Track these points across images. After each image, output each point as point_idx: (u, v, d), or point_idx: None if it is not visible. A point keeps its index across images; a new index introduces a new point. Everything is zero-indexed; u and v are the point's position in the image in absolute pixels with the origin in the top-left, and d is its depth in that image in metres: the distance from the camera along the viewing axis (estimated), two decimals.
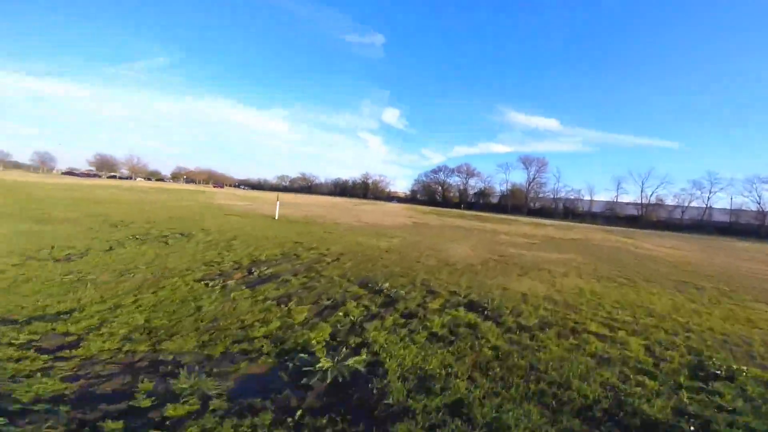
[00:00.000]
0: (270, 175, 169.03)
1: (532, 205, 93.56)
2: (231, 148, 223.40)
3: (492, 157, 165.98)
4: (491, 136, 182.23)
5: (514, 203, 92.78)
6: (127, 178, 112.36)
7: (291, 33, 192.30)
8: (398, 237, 15.24)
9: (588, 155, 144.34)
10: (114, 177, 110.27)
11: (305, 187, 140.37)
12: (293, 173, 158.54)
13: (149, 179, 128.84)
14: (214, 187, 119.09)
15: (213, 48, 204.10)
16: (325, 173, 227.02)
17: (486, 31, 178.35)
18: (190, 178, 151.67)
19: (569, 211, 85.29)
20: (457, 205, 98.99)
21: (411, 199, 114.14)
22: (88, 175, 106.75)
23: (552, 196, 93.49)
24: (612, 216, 79.10)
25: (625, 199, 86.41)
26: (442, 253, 11.79)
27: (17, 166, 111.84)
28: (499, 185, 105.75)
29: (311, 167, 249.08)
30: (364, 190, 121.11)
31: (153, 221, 14.01)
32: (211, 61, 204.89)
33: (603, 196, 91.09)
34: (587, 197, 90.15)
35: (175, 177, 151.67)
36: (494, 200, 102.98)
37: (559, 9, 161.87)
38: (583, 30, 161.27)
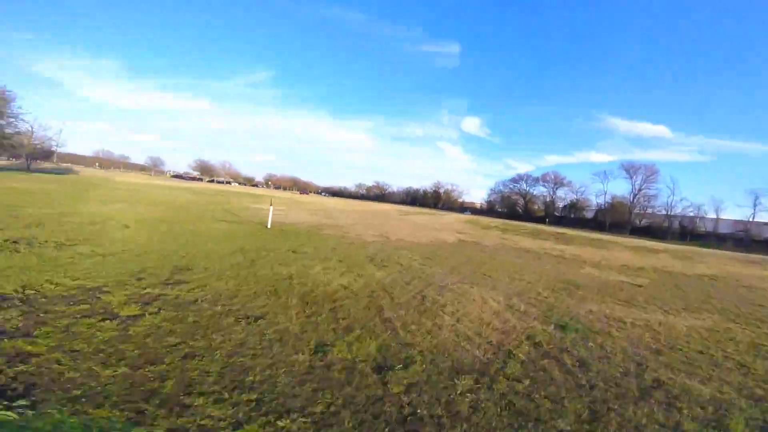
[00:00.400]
0: (349, 184, 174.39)
1: (637, 222, 77.12)
2: (316, 157, 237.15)
3: (589, 166, 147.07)
4: (589, 144, 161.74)
5: (613, 219, 77.53)
6: (226, 183, 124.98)
7: (371, 48, 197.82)
8: (408, 263, 10.20)
9: (705, 165, 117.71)
10: (212, 181, 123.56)
11: (379, 195, 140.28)
12: (370, 182, 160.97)
13: (244, 184, 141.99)
14: (300, 193, 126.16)
15: (302, 64, 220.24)
16: (400, 182, 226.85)
17: (579, 32, 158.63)
18: (277, 184, 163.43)
19: (687, 231, 67.75)
20: (541, 219, 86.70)
21: (487, 210, 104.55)
22: (193, 178, 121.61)
23: (665, 212, 75.71)
24: (746, 238, 60.33)
25: (764, 218, 66.09)
26: (448, 307, 6.54)
27: (134, 167, 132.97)
28: (596, 197, 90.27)
29: (387, 176, 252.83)
30: (435, 200, 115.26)
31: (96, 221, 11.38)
32: (302, 76, 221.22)
33: (732, 213, 71.07)
34: (712, 215, 70.99)
35: (267, 183, 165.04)
36: (588, 214, 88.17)
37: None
38: (700, 25, 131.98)
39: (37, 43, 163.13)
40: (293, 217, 22.17)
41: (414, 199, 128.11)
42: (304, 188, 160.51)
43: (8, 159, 74.90)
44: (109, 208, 15.91)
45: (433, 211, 74.13)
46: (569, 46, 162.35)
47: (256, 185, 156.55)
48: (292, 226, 17.13)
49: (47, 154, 77.47)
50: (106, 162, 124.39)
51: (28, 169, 68.23)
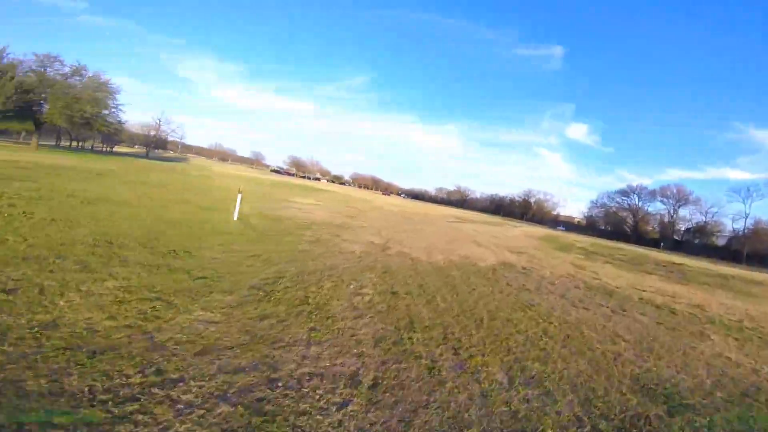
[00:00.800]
0: (431, 187, 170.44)
1: None
2: (402, 159, 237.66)
3: (723, 183, 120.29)
4: (724, 157, 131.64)
5: (754, 249, 58.02)
6: (314, 179, 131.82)
7: (464, 53, 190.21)
8: (344, 305, 5.69)
9: None
10: (303, 177, 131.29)
11: (460, 200, 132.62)
12: (452, 186, 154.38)
13: (332, 181, 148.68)
14: (383, 194, 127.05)
15: (397, 69, 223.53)
16: (486, 189, 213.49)
17: (712, 28, 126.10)
18: (361, 183, 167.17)
19: None
20: (654, 243, 69.79)
21: (586, 226, 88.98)
22: (288, 173, 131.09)
23: None
24: None
25: None
26: None
27: (243, 160, 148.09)
28: (732, 220, 69.39)
29: (474, 182, 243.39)
30: (523, 209, 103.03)
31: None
32: (396, 81, 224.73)
33: None
34: None
35: (352, 182, 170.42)
36: (720, 241, 68.29)
37: None
38: None
39: (180, 47, 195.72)
40: (317, 213, 18.90)
41: (499, 207, 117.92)
42: (386, 189, 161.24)
43: (133, 146, 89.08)
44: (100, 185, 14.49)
45: (505, 220, 64.68)
46: (699, 45, 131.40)
47: (343, 183, 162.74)
48: (279, 223, 13.62)
49: (164, 144, 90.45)
50: (217, 153, 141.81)
51: (146, 156, 79.35)
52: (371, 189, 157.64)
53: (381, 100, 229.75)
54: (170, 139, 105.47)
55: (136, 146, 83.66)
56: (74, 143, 67.05)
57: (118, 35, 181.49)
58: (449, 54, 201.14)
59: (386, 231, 16.54)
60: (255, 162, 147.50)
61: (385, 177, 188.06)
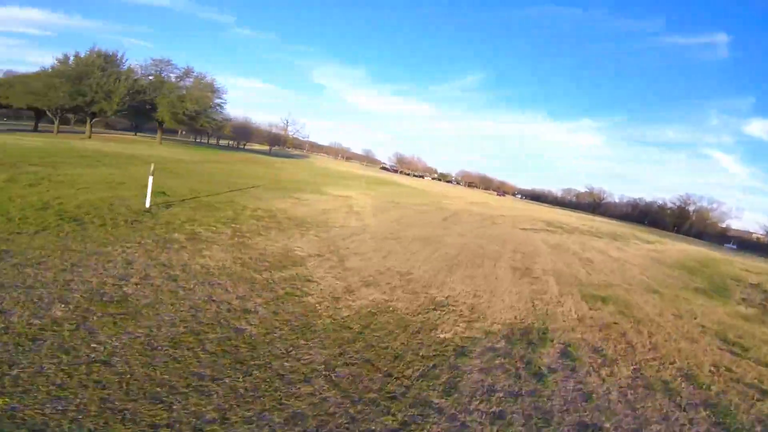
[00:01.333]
0: (555, 188, 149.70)
1: None
2: (520, 157, 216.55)
3: None
4: None
5: None
6: (419, 176, 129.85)
7: (597, 45, 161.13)
8: None
9: None
10: (407, 174, 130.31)
11: (592, 204, 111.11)
12: (582, 187, 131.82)
13: (438, 179, 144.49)
14: (497, 194, 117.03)
15: (516, 66, 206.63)
16: (628, 191, 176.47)
17: None
18: (469, 181, 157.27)
19: None
20: None
21: None
22: (394, 170, 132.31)
23: None
24: None
25: None
26: None
27: (357, 157, 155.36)
28: None
29: (612, 184, 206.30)
30: (677, 219, 78.69)
31: None
32: (515, 78, 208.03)
33: None
34: None
35: (458, 180, 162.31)
36: None
37: None
38: None
39: (313, 54, 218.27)
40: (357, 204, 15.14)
41: (643, 214, 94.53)
42: (498, 188, 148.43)
43: (260, 144, 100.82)
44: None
45: (646, 231, 47.84)
46: None
47: (449, 181, 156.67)
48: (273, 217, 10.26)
49: (284, 141, 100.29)
50: (334, 151, 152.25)
51: (269, 153, 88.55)
52: (479, 188, 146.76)
53: (497, 98, 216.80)
54: (293, 137, 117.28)
55: (264, 144, 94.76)
56: (200, 138, 78.65)
57: (261, 45, 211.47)
58: (579, 47, 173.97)
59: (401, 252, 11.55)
60: (366, 159, 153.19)
61: (500, 176, 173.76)
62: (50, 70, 34.21)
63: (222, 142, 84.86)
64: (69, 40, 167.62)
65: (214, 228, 9.20)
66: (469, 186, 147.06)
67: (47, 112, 37.25)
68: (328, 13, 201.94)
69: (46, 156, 17.00)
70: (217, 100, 45.25)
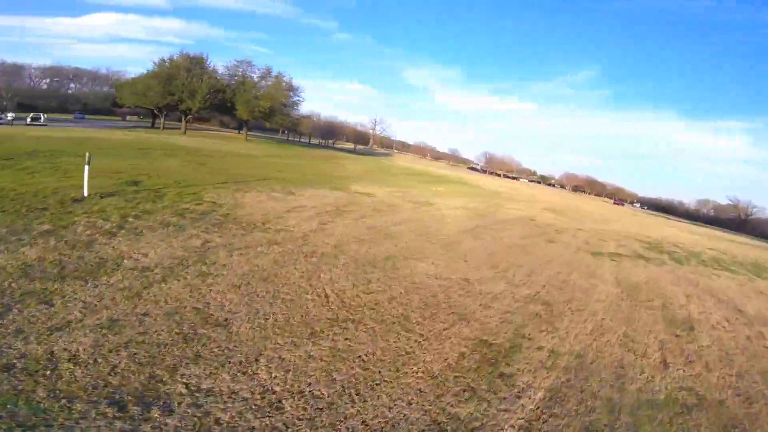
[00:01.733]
0: (688, 198, 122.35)
1: None
2: (642, 161, 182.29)
3: None
4: None
5: None
6: (512, 178, 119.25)
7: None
8: None
9: None
10: (498, 175, 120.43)
11: (735, 220, 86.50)
12: (722, 199, 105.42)
13: (537, 182, 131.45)
14: (614, 202, 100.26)
15: (635, 60, 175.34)
16: None
17: None
18: (576, 185, 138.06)
19: None
20: None
21: None
22: (484, 171, 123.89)
23: None
24: None
25: None
26: None
27: (444, 156, 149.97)
28: None
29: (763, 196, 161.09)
30: None
31: None
32: (635, 72, 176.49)
33: None
34: None
35: (567, 182, 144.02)
36: None
37: None
38: None
39: (408, 56, 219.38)
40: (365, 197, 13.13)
41: None
42: (612, 195, 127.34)
43: (344, 140, 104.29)
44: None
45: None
46: None
47: (552, 184, 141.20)
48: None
49: (367, 140, 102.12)
50: (420, 150, 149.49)
51: (353, 151, 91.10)
52: (588, 192, 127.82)
53: (615, 94, 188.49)
54: (381, 135, 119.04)
55: (346, 141, 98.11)
56: (294, 137, 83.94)
57: (359, 49, 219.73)
58: (716, 37, 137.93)
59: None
60: (451, 158, 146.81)
61: (613, 180, 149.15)
62: (149, 72, 39.75)
63: (314, 141, 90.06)
64: (201, 47, 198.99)
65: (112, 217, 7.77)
66: (574, 190, 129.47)
67: (154, 111, 43.29)
68: (426, 16, 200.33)
69: (109, 147, 18.69)
70: (295, 98, 47.16)
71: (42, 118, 32.77)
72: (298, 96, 47.13)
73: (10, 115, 31.61)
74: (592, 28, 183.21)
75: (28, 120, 31.78)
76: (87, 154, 9.62)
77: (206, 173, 15.87)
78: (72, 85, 64.60)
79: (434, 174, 48.76)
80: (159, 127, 43.76)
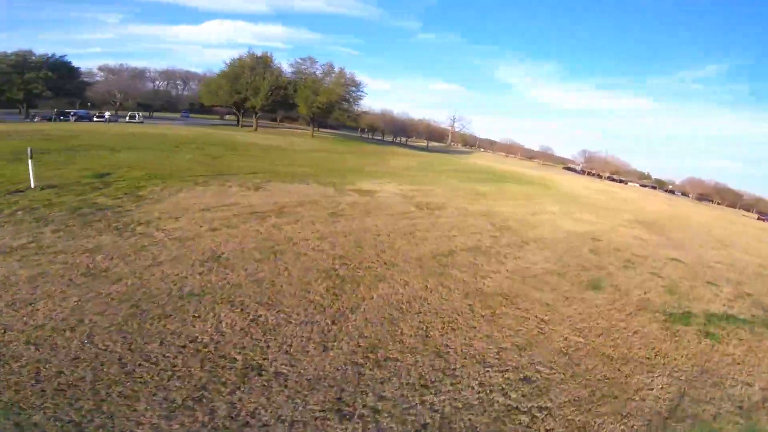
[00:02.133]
0: None
1: None
2: None
3: None
4: None
5: None
6: (619, 181, 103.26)
7: None
8: None
9: None
10: (600, 177, 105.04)
11: None
12: None
13: (653, 186, 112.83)
14: (759, 218, 76.80)
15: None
16: None
17: None
18: (701, 194, 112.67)
19: None
20: None
21: None
22: (582, 172, 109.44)
23: None
24: None
25: None
26: None
27: (535, 155, 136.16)
28: None
29: None
30: None
31: None
32: None
33: None
34: None
35: (691, 189, 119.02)
36: None
37: None
38: None
39: (499, 53, 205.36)
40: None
41: None
42: (754, 207, 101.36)
43: (423, 138, 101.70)
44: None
45: None
46: None
47: (671, 190, 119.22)
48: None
49: (442, 137, 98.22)
50: (506, 148, 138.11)
51: (426, 148, 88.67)
52: (717, 203, 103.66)
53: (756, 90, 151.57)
54: (461, 132, 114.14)
55: (419, 138, 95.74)
56: (367, 134, 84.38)
57: (447, 49, 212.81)
58: None
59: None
60: (545, 157, 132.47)
61: (755, 190, 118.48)
62: (220, 72, 43.17)
63: (387, 138, 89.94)
64: (303, 51, 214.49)
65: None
66: (698, 199, 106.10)
67: (233, 109, 47.19)
68: (518, 10, 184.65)
69: (153, 143, 20.43)
70: (356, 93, 46.83)
71: (138, 116, 38.05)
72: (360, 91, 46.91)
73: (107, 114, 37.54)
74: (722, 14, 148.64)
75: (126, 118, 37.20)
76: (28, 149, 9.97)
77: (199, 167, 15.76)
78: (183, 85, 75.17)
79: (506, 172, 43.38)
80: (239, 125, 47.51)
